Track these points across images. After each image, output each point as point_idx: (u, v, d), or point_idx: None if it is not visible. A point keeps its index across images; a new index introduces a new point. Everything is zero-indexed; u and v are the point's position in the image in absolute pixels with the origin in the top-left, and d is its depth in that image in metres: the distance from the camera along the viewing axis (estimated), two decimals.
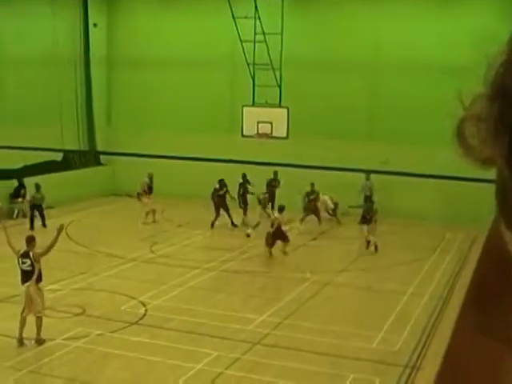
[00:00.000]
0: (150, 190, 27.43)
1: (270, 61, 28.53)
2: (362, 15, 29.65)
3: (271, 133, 28.27)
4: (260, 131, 28.31)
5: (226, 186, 26.74)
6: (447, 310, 16.90)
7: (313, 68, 30.25)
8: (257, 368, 13.67)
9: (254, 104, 28.83)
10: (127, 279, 19.54)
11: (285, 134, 28.13)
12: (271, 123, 28.21)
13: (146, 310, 16.84)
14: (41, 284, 14.80)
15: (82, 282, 19.00)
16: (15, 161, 30.72)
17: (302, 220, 26.30)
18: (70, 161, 33.06)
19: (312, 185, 27.15)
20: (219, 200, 26.35)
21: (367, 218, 23.31)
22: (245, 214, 26.90)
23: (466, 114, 0.83)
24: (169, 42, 32.54)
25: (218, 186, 26.66)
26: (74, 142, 33.57)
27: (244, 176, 27.74)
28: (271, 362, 13.94)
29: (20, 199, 28.35)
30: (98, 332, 15.26)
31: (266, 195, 26.80)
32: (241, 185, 27.65)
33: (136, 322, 16.06)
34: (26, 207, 28.06)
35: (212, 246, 23.73)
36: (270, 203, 27.27)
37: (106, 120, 34.79)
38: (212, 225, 25.98)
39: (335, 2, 30.10)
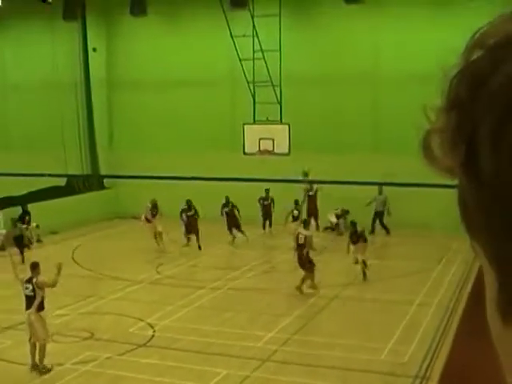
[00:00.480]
0: (153, 215, 27.41)
1: (270, 78, 28.64)
2: (360, 29, 29.74)
3: (273, 149, 28.35)
4: (262, 148, 28.39)
5: (193, 207, 26.89)
6: (455, 319, 16.87)
7: (313, 83, 30.34)
8: None
9: (254, 121, 28.93)
10: (134, 301, 19.54)
11: (287, 151, 28.19)
12: (273, 140, 28.30)
13: (153, 332, 16.83)
14: (43, 312, 14.68)
15: (89, 306, 19.00)
16: (19, 187, 30.86)
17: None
18: (74, 185, 33.17)
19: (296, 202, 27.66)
20: (190, 221, 26.38)
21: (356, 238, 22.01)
22: (231, 232, 27.02)
23: (432, 126, 0.85)
24: (168, 62, 32.68)
25: (186, 207, 26.83)
26: (77, 166, 33.71)
27: (227, 198, 27.83)
28: (281, 379, 13.91)
29: (24, 225, 28.37)
30: (107, 355, 15.24)
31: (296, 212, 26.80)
32: (224, 206, 27.69)
33: (144, 344, 16.04)
34: (31, 234, 28.15)
35: (217, 265, 23.71)
36: (268, 220, 28.41)
37: (108, 143, 34.90)
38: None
39: (332, 17, 30.19)
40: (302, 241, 20.16)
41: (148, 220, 26.79)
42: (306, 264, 19.96)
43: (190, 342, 15.93)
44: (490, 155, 0.76)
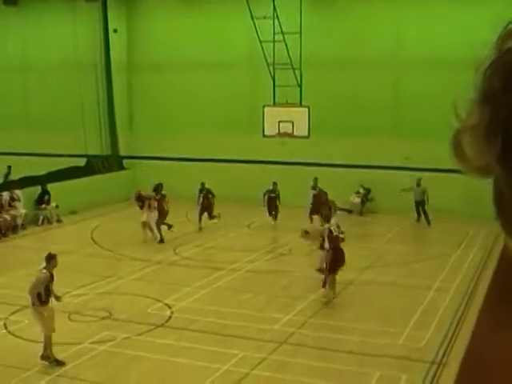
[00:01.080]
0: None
1: (290, 60, 28.52)
2: (382, 11, 29.53)
3: (292, 132, 28.27)
4: (281, 131, 28.31)
5: (207, 189, 26.93)
6: (472, 305, 16.80)
7: (333, 66, 30.20)
8: (283, 367, 13.67)
9: (274, 104, 28.84)
10: (152, 282, 19.63)
11: (306, 133, 28.11)
12: (292, 122, 28.21)
13: (171, 312, 16.89)
14: (47, 305, 14.04)
15: (107, 286, 19.09)
16: (39, 167, 31.01)
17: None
18: (94, 166, 33.29)
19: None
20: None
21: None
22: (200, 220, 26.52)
23: (462, 124, 0.83)
24: (188, 44, 32.63)
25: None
26: (96, 147, 33.81)
27: (203, 184, 27.20)
28: (297, 361, 13.93)
29: (44, 205, 28.56)
30: (125, 335, 15.31)
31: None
32: (200, 191, 27.17)
33: (162, 325, 16.10)
34: (50, 213, 28.37)
35: (235, 247, 23.73)
36: (274, 213, 27.15)
37: (127, 124, 34.96)
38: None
39: None
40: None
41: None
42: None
43: (207, 324, 15.98)
44: None
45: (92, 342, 14.88)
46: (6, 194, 27.49)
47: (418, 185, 27.34)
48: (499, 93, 0.78)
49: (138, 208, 25.15)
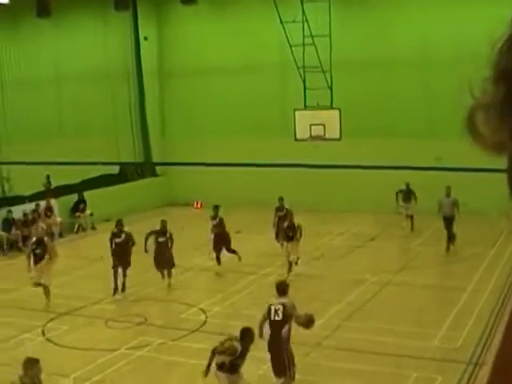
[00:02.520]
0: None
1: (320, 63, 28.48)
2: (410, 10, 29.40)
3: (324, 135, 28.24)
4: (313, 134, 28.30)
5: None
6: (509, 304, 16.66)
7: (363, 67, 30.14)
8: (318, 370, 13.67)
9: (305, 107, 28.84)
10: (186, 288, 19.73)
11: (338, 136, 28.06)
12: (324, 125, 28.18)
13: (206, 317, 16.98)
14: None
15: (142, 292, 19.23)
16: (74, 175, 31.37)
17: None
18: (127, 173, 33.56)
19: None
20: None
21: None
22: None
23: (476, 102, 0.84)
24: (219, 50, 32.78)
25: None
26: (129, 154, 34.10)
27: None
28: (332, 364, 13.93)
29: (78, 214, 28.91)
30: (160, 341, 15.42)
31: None
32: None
33: (197, 330, 16.19)
34: (86, 222, 28.71)
35: (269, 251, 23.74)
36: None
37: (160, 131, 35.20)
38: None
39: (382, 1, 29.94)
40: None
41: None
42: None
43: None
44: None
45: (128, 348, 15.02)
46: (42, 204, 27.91)
47: (448, 195, 23.17)
48: None
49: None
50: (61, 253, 23.27)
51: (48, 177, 33.24)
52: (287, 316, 12.09)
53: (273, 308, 12.29)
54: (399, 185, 26.50)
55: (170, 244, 20.16)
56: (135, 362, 14.36)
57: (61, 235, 27.70)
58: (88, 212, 29.06)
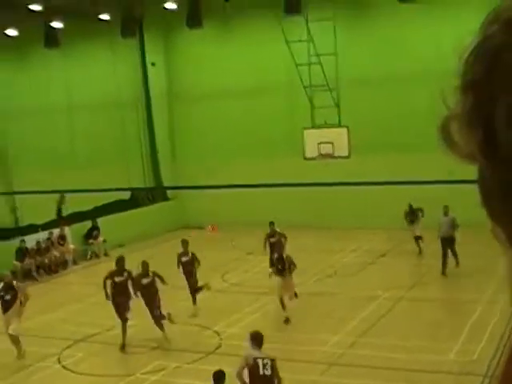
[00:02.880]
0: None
1: (326, 81, 28.60)
2: (416, 27, 29.45)
3: (333, 153, 28.27)
4: (322, 152, 28.34)
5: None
6: None
7: (370, 84, 30.21)
8: None
9: (313, 126, 28.92)
10: (201, 309, 19.73)
11: (347, 153, 28.09)
12: (332, 143, 28.22)
13: (221, 339, 16.97)
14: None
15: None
16: (86, 203, 31.52)
17: None
18: (138, 198, 33.70)
19: None
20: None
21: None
22: None
23: (451, 112, 0.84)
24: (226, 72, 32.98)
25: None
26: (140, 179, 34.26)
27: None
28: (348, 382, 13.89)
29: (91, 240, 29.06)
30: (176, 364, 15.41)
31: None
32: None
33: (213, 352, 16.17)
34: (99, 248, 28.84)
35: None
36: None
37: (170, 154, 35.35)
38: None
39: (387, 17, 30.00)
40: None
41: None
42: None
43: None
44: (507, 131, 0.75)
45: (144, 373, 15.02)
46: (55, 232, 28.10)
47: (446, 214, 21.92)
48: (481, 79, 0.78)
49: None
50: (74, 280, 23.48)
51: (62, 196, 33.20)
52: (275, 371, 11.39)
53: (260, 362, 11.32)
54: (410, 200, 26.31)
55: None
56: None
57: (74, 262, 27.87)
58: (101, 239, 29.20)
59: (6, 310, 16.50)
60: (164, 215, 33.02)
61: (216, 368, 14.93)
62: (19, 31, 34.32)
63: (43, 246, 27.32)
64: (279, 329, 17.35)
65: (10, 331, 16.45)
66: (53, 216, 31.00)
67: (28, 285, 18.26)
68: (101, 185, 33.62)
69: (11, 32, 34.49)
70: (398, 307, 18.82)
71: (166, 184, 35.19)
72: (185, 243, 20.34)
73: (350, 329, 17.05)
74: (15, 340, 16.56)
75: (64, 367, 16.03)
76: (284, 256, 19.12)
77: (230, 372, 14.75)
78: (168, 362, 15.60)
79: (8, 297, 16.44)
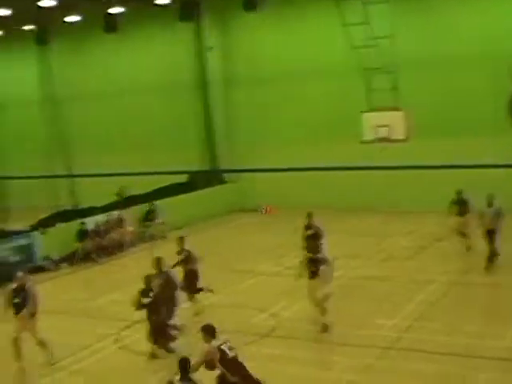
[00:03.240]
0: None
1: (385, 64, 28.35)
2: (474, 5, 28.96)
3: (390, 136, 28.06)
4: (379, 135, 28.15)
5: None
6: None
7: (428, 66, 29.86)
8: (390, 373, 13.63)
9: (371, 109, 28.71)
10: (256, 293, 19.87)
11: (404, 136, 27.85)
12: (390, 126, 28.00)
13: (276, 322, 17.06)
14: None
15: (212, 298, 19.42)
16: (145, 185, 31.97)
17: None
18: (195, 181, 33.99)
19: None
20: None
21: None
22: None
23: None
24: (282, 56, 32.98)
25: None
26: (197, 162, 34.55)
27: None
28: (404, 366, 13.86)
29: (149, 223, 29.47)
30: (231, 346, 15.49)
31: None
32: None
33: (268, 335, 16.28)
34: (157, 230, 29.20)
35: (338, 254, 23.65)
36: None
37: (226, 138, 35.52)
38: None
39: None
40: None
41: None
42: None
43: (313, 332, 16.07)
44: None
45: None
46: (114, 214, 28.58)
47: (490, 204, 20.24)
48: None
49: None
50: (132, 262, 23.81)
51: (122, 187, 33.87)
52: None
53: (225, 347, 11.05)
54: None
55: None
56: None
57: (132, 244, 28.33)
58: (159, 221, 29.57)
59: (17, 312, 15.48)
60: (220, 198, 33.26)
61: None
62: (79, 17, 34.88)
63: (102, 228, 27.84)
64: (334, 312, 17.29)
65: (36, 337, 15.59)
66: (112, 199, 31.48)
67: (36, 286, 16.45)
68: (158, 168, 34.11)
69: (72, 18, 35.07)
70: (454, 291, 18.67)
71: (222, 167, 35.41)
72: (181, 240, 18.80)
73: (406, 313, 16.98)
74: (40, 343, 15.64)
75: (122, 348, 16.33)
76: (319, 256, 16.72)
77: (283, 353, 14.89)
78: None
79: (18, 300, 15.49)
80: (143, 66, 36.55)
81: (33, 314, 15.50)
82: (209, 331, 11.33)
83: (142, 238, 29.16)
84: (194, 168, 34.50)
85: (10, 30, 37.68)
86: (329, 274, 16.50)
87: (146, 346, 15.20)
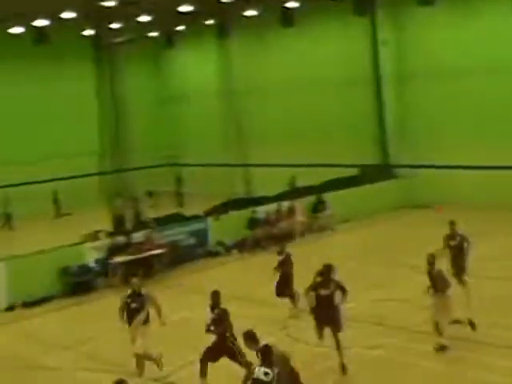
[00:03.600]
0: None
1: None
2: None
3: None
4: None
5: None
6: None
7: None
8: None
9: None
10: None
11: None
12: None
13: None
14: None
15: (380, 293, 19.52)
16: (315, 177, 32.55)
17: None
18: (365, 175, 34.11)
19: None
20: None
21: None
22: None
23: None
24: (458, 50, 32.27)
25: None
26: (368, 156, 34.64)
27: None
28: None
29: (318, 214, 30.00)
30: (397, 342, 15.58)
31: None
32: None
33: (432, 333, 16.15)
34: (326, 222, 29.68)
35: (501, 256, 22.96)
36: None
37: (398, 133, 35.32)
38: None
39: None
40: None
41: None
42: None
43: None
44: None
45: (364, 347, 15.41)
46: (285, 204, 29.32)
47: None
48: None
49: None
50: (301, 251, 24.28)
51: (293, 178, 34.75)
52: None
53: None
54: None
55: None
56: (370, 362, 14.69)
57: (301, 234, 28.99)
58: (328, 213, 30.02)
59: (131, 319, 14.65)
60: (390, 193, 33.16)
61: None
62: (257, 11, 35.93)
63: (273, 217, 28.64)
64: (486, 314, 16.77)
65: (135, 349, 14.64)
66: (283, 188, 32.26)
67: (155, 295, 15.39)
68: (329, 160, 34.57)
69: (250, 12, 36.18)
70: None
71: (392, 162, 35.31)
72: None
73: None
74: (140, 359, 14.74)
75: (288, 335, 16.82)
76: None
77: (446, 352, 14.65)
78: (389, 339, 15.80)
79: (135, 305, 14.59)
80: (318, 60, 37.08)
81: (145, 321, 14.61)
82: (251, 337, 10.97)
83: (310, 229, 29.73)
84: (365, 162, 34.64)
85: (192, 25, 39.42)
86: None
87: (311, 335, 15.38)
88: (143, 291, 14.86)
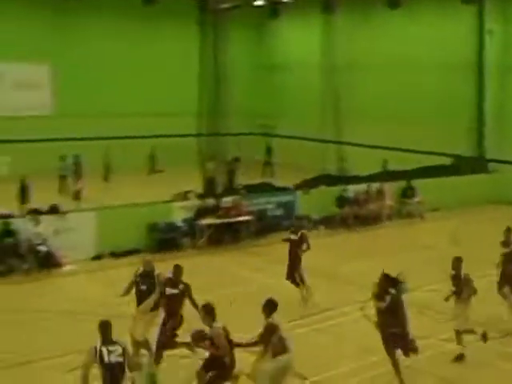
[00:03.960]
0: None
1: None
2: None
3: None
4: None
5: None
6: None
7: None
8: None
9: None
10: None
11: None
12: None
13: None
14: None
15: None
16: (407, 162, 32.34)
17: None
18: (458, 166, 33.67)
19: None
20: None
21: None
22: None
23: None
24: None
25: None
26: (463, 147, 34.11)
27: None
28: None
29: (407, 200, 29.87)
30: (474, 339, 15.46)
31: None
32: None
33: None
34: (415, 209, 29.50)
35: None
36: None
37: (497, 126, 34.61)
38: None
39: None
40: None
41: None
42: None
43: None
44: None
45: (440, 339, 15.38)
46: (374, 186, 29.28)
47: None
48: None
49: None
50: (386, 235, 24.24)
51: (385, 160, 34.52)
52: None
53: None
54: None
55: None
56: (444, 355, 14.61)
57: (389, 218, 28.94)
58: (417, 199, 29.84)
59: (140, 302, 13.22)
60: (481, 187, 32.64)
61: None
62: None
63: (362, 197, 28.67)
64: None
65: (136, 336, 13.04)
66: (374, 170, 32.16)
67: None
68: (422, 146, 34.27)
69: None
70: None
71: (488, 156, 34.69)
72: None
73: None
74: (140, 345, 13.14)
75: (365, 316, 16.94)
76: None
77: None
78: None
79: (144, 287, 13.14)
80: (421, 43, 36.67)
81: (153, 308, 13.07)
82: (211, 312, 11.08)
83: (399, 214, 29.63)
84: (458, 152, 34.13)
85: None
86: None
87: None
88: (156, 272, 13.31)
